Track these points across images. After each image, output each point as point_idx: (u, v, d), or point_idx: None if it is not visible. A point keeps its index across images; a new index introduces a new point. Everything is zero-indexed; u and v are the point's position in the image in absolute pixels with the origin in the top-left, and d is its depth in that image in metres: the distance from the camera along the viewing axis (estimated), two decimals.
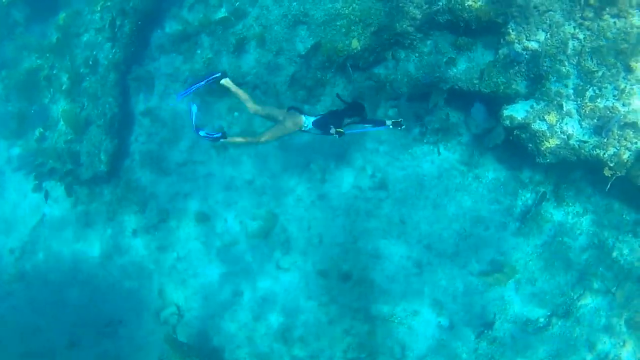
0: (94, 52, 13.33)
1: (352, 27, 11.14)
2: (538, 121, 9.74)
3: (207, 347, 11.02)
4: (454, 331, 10.38)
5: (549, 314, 10.18)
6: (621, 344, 9.84)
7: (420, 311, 10.57)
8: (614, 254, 10.16)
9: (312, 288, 10.99)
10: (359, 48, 11.10)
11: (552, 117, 9.63)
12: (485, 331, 10.25)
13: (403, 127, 9.26)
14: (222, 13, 12.74)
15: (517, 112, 9.95)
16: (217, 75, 8.86)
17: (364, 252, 10.96)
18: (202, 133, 8.65)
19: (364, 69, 11.62)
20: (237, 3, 12.55)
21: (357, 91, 11.58)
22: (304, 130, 8.84)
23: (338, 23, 11.27)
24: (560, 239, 10.40)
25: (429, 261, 10.78)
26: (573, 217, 10.47)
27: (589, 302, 10.06)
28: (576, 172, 10.39)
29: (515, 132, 9.97)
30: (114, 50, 13.11)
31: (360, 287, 10.80)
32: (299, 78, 11.86)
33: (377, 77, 11.48)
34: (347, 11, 11.20)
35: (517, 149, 10.26)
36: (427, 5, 10.48)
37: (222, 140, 8.66)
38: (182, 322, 11.43)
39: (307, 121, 8.75)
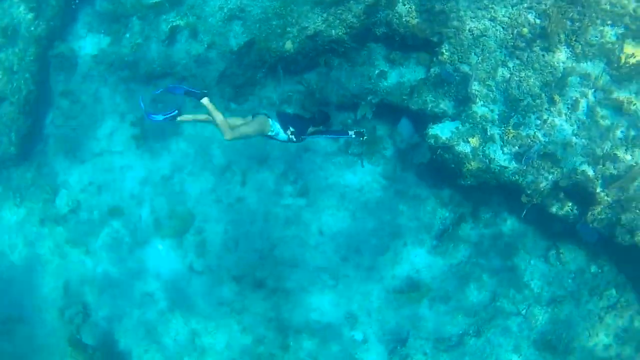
0: (15, 22, 12.23)
1: (288, 29, 10.80)
2: (462, 143, 9.74)
3: (113, 350, 10.46)
4: (367, 345, 10.28)
5: (461, 332, 10.25)
6: None
7: (334, 324, 10.41)
8: (526, 278, 10.36)
9: (225, 294, 10.62)
10: (293, 51, 10.78)
11: (475, 141, 9.65)
12: (399, 347, 10.21)
13: (365, 137, 9.26)
14: None
15: (442, 131, 9.92)
16: (198, 92, 8.32)
17: (280, 261, 10.68)
18: (159, 117, 8.21)
19: (295, 73, 11.33)
20: None
21: (286, 94, 11.31)
22: (266, 136, 8.60)
23: (274, 23, 10.89)
24: (475, 260, 10.49)
25: (345, 274, 10.64)
26: (489, 239, 10.59)
27: (499, 322, 10.19)
28: (495, 195, 10.51)
29: (439, 152, 9.96)
30: (36, 22, 12.14)
31: (275, 296, 10.52)
32: (229, 75, 11.43)
33: (308, 83, 11.20)
34: (284, 11, 10.88)
35: (440, 167, 10.24)
36: (365, 16, 10.30)
37: (178, 117, 8.34)
38: (89, 322, 10.79)
39: (274, 126, 8.56)
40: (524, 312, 10.17)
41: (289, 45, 10.76)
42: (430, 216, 10.81)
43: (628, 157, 9.07)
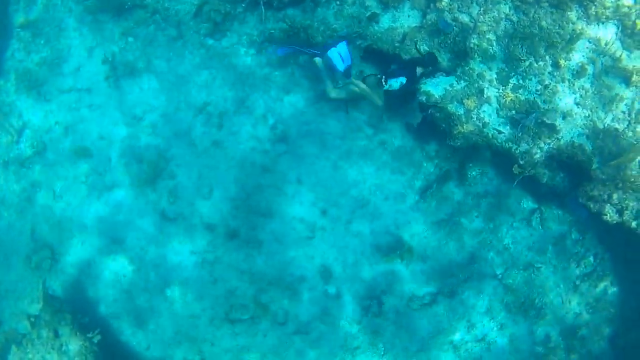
0: None
1: None
2: (455, 103, 8.77)
3: (81, 300, 9.80)
4: (340, 301, 9.76)
5: (435, 292, 9.76)
6: (499, 327, 9.71)
7: (308, 277, 9.82)
8: (506, 241, 9.78)
9: (197, 243, 9.89)
10: None
11: (470, 102, 8.65)
12: (372, 303, 9.74)
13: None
14: None
15: (435, 88, 8.88)
16: (317, 52, 9.35)
17: (256, 210, 9.83)
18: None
19: (278, 9, 9.94)
20: None
21: (267, 32, 10.01)
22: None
23: None
24: (457, 219, 9.82)
25: (322, 226, 9.91)
26: (473, 198, 9.88)
27: (474, 285, 9.70)
28: (484, 152, 9.69)
29: (430, 111, 8.95)
30: None
31: (248, 247, 9.78)
32: (206, 10, 10.02)
33: (292, 21, 9.83)
34: None
35: (430, 123, 9.30)
36: None
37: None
38: (57, 269, 10.01)
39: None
40: (500, 275, 9.69)
41: None
42: (414, 170, 9.99)
43: (630, 133, 8.20)
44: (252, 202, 9.89)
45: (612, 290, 9.63)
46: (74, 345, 8.89)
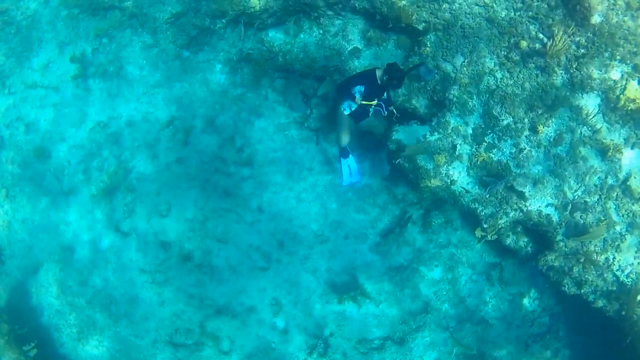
0: None
1: None
2: (426, 156, 8.15)
3: (22, 308, 9.12)
4: (288, 336, 9.20)
5: (385, 337, 9.25)
6: None
7: (258, 309, 9.23)
8: (463, 293, 9.26)
9: (149, 260, 9.25)
10: (258, 8, 8.68)
11: (441, 158, 8.01)
12: (319, 343, 9.18)
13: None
14: None
15: (407, 138, 8.26)
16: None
17: (212, 235, 9.19)
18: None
19: (260, 29, 9.21)
20: None
21: (245, 52, 9.28)
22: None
23: None
24: (416, 265, 9.26)
25: (278, 258, 9.28)
26: (435, 246, 9.32)
27: (426, 334, 9.17)
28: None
29: (398, 160, 8.32)
30: None
31: (200, 272, 9.17)
32: (183, 21, 9.27)
33: (270, 45, 9.14)
34: None
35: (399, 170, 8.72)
36: None
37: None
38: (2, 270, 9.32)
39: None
40: (452, 328, 9.18)
41: (255, 1, 8.61)
42: (379, 211, 9.39)
43: (598, 207, 7.66)
44: (210, 226, 9.24)
45: (564, 353, 9.17)
46: (8, 358, 8.27)
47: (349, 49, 8.71)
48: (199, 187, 9.32)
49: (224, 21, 9.15)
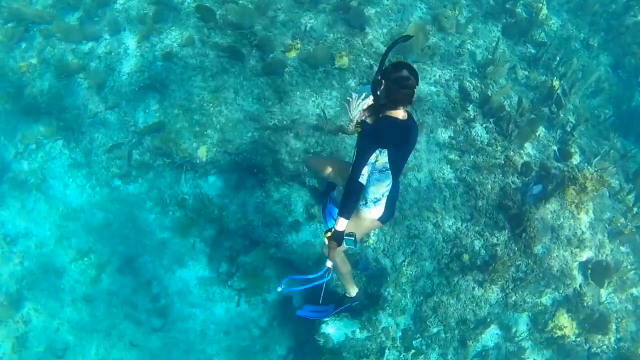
0: None
1: (209, 131, 8.14)
2: (352, 355, 7.60)
3: None
4: None
5: None
6: None
7: None
8: None
9: None
10: (204, 160, 8.14)
11: None
12: None
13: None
14: None
15: (335, 333, 7.68)
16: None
17: None
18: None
19: (200, 175, 8.60)
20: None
21: (180, 197, 8.56)
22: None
23: (195, 117, 8.17)
24: None
25: None
26: None
27: None
28: None
29: (324, 357, 7.69)
30: None
31: None
32: (123, 150, 8.52)
33: (208, 197, 8.51)
34: (212, 109, 8.13)
35: None
36: (299, 159, 7.89)
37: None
38: None
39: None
40: None
41: (202, 152, 8.10)
42: None
43: None
44: None
45: None
46: None
47: (289, 221, 8.20)
48: (103, 332, 8.27)
49: (165, 159, 8.46)
